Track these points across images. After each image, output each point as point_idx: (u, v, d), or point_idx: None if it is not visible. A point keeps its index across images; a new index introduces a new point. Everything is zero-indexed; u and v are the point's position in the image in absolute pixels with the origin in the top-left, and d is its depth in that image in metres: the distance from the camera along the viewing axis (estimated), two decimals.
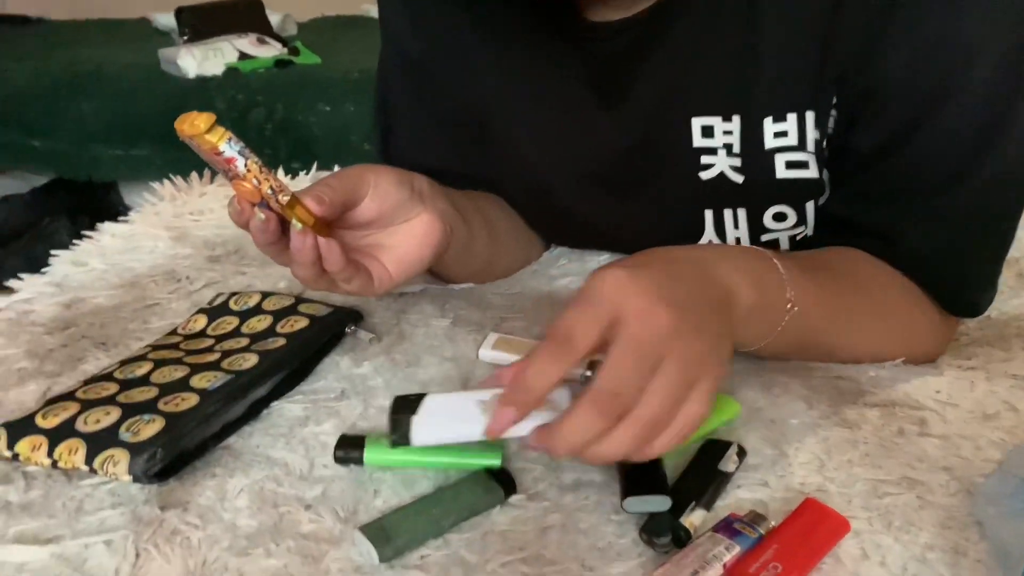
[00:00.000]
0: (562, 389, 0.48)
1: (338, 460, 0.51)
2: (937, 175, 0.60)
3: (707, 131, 0.64)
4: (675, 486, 0.49)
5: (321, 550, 0.46)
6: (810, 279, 0.56)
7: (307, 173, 1.06)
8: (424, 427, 0.47)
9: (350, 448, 0.51)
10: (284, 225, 0.54)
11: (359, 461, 0.51)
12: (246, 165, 0.49)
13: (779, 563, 0.44)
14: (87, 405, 0.52)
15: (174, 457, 0.49)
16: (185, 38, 2.09)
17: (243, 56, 2.02)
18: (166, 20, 2.42)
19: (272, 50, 2.09)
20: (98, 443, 0.49)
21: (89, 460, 0.48)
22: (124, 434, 0.49)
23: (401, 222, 0.60)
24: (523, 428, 0.45)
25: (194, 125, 0.48)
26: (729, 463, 0.50)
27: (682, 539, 0.45)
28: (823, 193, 0.64)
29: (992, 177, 0.59)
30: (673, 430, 0.45)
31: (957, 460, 0.52)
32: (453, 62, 0.71)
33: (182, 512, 0.48)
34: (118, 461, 0.48)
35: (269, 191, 0.51)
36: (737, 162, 0.64)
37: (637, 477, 0.48)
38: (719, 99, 0.63)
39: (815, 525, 0.46)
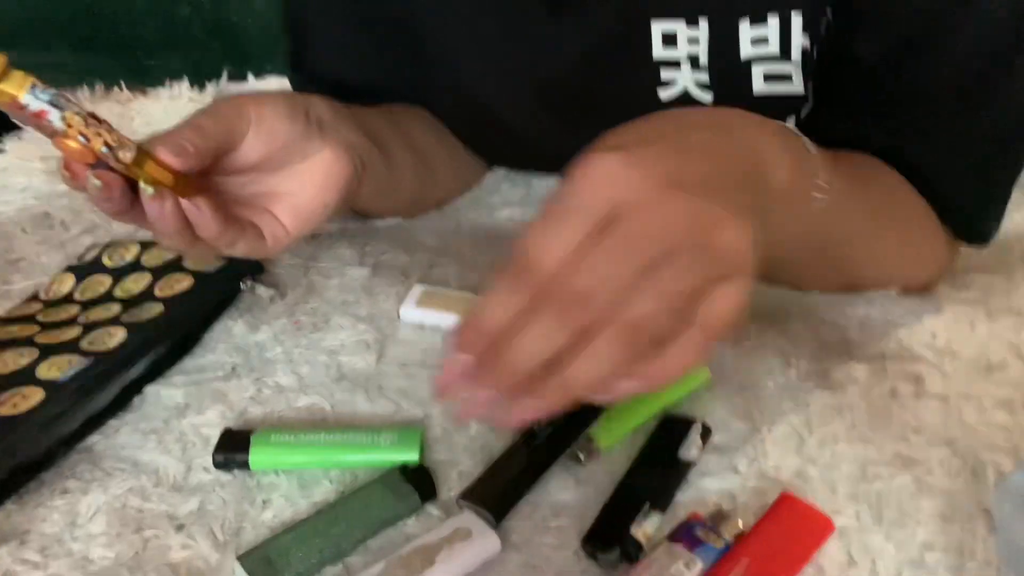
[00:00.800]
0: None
1: (218, 466, 0.42)
2: (953, 91, 0.50)
3: (668, 39, 0.53)
4: (624, 481, 0.41)
5: None
6: (840, 171, 0.45)
7: (217, 84, 0.92)
8: None
9: (232, 451, 0.42)
10: (135, 184, 0.42)
11: (244, 465, 0.42)
12: (63, 119, 0.37)
13: None
14: None
15: (5, 476, 0.40)
16: None
17: None
18: None
19: None
20: None
21: None
22: None
23: (297, 162, 0.48)
24: None
25: None
26: (692, 448, 0.42)
27: (631, 554, 0.37)
28: (805, 106, 0.54)
29: (1015, 95, 0.49)
30: (686, 342, 0.33)
31: (959, 429, 0.44)
32: None
33: (18, 547, 0.39)
34: None
35: (103, 149, 0.39)
36: (704, 77, 0.53)
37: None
38: None
39: (792, 527, 0.39)
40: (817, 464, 0.42)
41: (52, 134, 0.38)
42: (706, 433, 0.43)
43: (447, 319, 0.52)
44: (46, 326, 0.50)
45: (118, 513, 0.40)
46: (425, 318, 0.53)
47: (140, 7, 1.76)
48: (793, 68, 0.52)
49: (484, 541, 0.38)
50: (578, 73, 0.57)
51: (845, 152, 0.52)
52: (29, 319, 0.51)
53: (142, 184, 0.41)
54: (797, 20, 0.50)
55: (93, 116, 0.38)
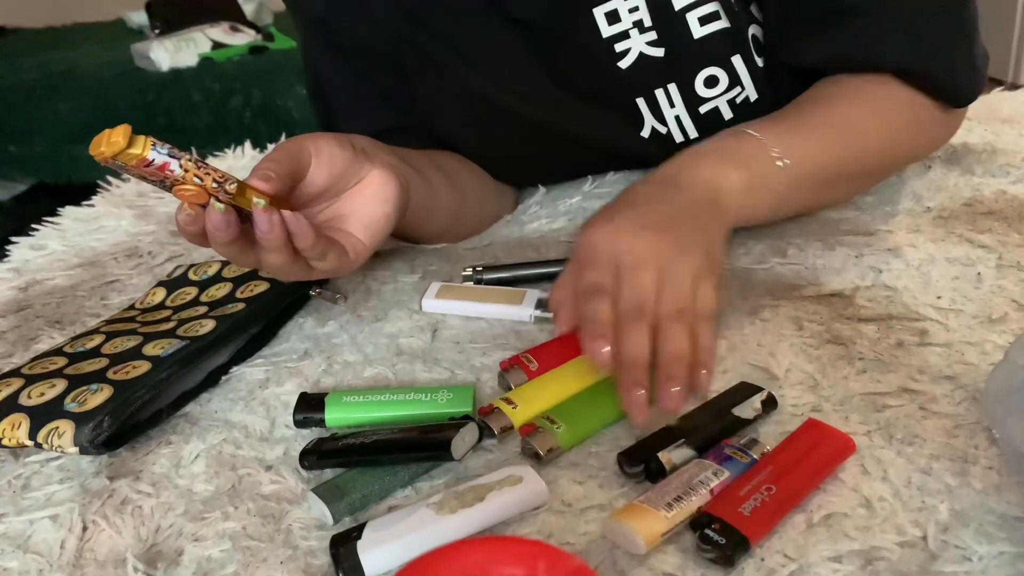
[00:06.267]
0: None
1: (298, 424, 0.48)
2: None
3: (612, 17, 0.63)
4: (683, 419, 0.45)
5: (283, 510, 0.43)
6: (789, 125, 0.58)
7: (262, 151, 1.02)
8: (376, 550, 0.38)
9: (309, 410, 0.48)
10: (240, 217, 0.49)
11: (320, 423, 0.48)
12: (182, 166, 0.44)
13: (773, 485, 0.40)
14: (32, 379, 0.49)
15: (122, 425, 0.46)
16: (157, 31, 2.06)
17: (216, 45, 1.99)
18: (139, 18, 2.39)
19: (246, 37, 2.06)
20: (42, 416, 0.46)
21: (33, 434, 0.46)
22: (69, 404, 0.46)
23: (353, 185, 0.56)
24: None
25: (112, 143, 0.41)
26: (748, 408, 0.45)
27: (653, 473, 0.42)
28: (744, 44, 0.64)
29: None
30: (703, 320, 0.48)
31: (962, 367, 0.49)
32: (348, 7, 0.67)
33: (133, 481, 0.45)
34: (63, 432, 0.45)
35: (214, 185, 0.45)
36: (652, 36, 0.63)
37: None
38: None
39: (815, 446, 0.43)
40: (831, 400, 0.47)
41: (172, 184, 0.45)
42: (770, 402, 0.46)
43: (461, 307, 0.59)
44: (145, 323, 0.57)
45: (215, 457, 0.46)
46: (443, 307, 0.59)
47: (195, 99, 1.92)
48: (716, 6, 0.62)
49: (532, 488, 0.42)
50: (543, 71, 0.66)
51: (803, 96, 0.63)
52: (130, 320, 0.58)
53: (255, 199, 0.47)
54: None
55: (199, 159, 0.45)
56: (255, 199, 0.48)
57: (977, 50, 0.63)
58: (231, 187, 0.46)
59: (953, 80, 0.63)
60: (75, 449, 0.45)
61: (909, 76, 0.62)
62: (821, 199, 0.64)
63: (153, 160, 0.43)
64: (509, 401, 0.48)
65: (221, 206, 0.47)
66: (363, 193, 0.56)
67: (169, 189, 0.46)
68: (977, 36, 0.63)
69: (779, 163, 0.56)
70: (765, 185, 0.56)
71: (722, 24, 0.63)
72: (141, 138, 0.42)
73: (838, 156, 0.60)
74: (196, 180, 0.45)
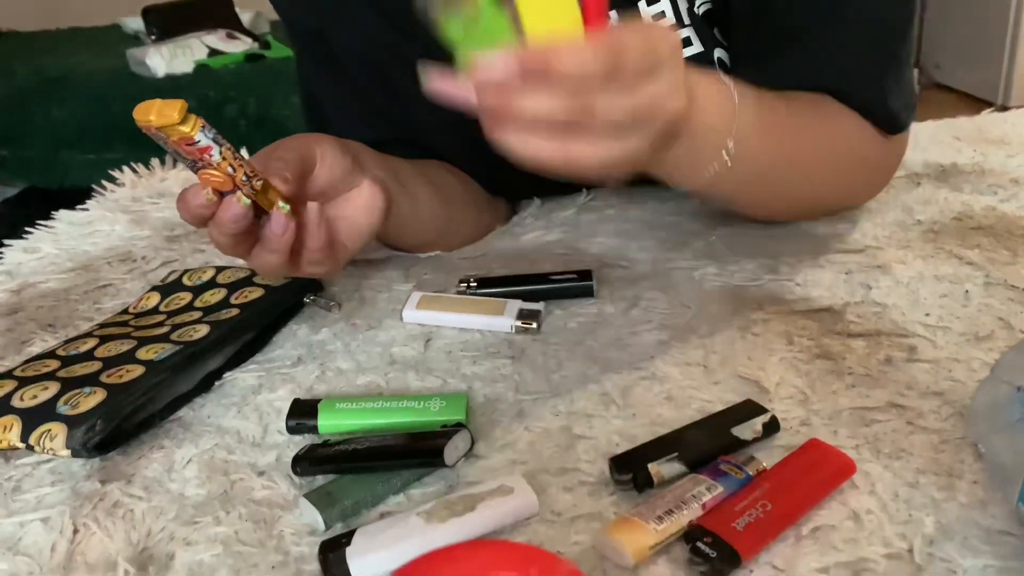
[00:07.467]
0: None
1: (291, 430, 0.48)
2: (816, 10, 0.60)
3: None
4: (674, 431, 0.46)
5: (274, 515, 0.43)
6: (763, 112, 0.56)
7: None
8: (364, 557, 0.38)
9: (302, 416, 0.48)
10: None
11: (313, 430, 0.48)
12: (221, 153, 0.45)
13: (770, 502, 0.40)
14: (25, 382, 0.49)
15: (115, 428, 0.46)
16: (153, 38, 2.06)
17: (213, 52, 1.99)
18: (135, 23, 2.39)
19: (242, 45, 2.06)
20: (34, 418, 0.46)
21: (24, 437, 0.46)
22: (62, 407, 0.46)
23: (346, 190, 0.57)
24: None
25: (163, 114, 0.42)
26: (747, 431, 0.45)
27: (639, 484, 0.42)
28: (711, 68, 0.64)
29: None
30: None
31: (949, 384, 0.49)
32: (339, 20, 0.67)
33: (125, 485, 0.45)
34: (55, 435, 0.45)
35: (244, 178, 0.46)
36: None
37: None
38: None
39: (815, 465, 0.43)
40: (820, 415, 0.48)
41: (205, 166, 0.45)
42: (772, 425, 0.45)
43: (443, 318, 0.59)
44: (139, 327, 0.57)
45: (207, 462, 0.46)
46: (424, 318, 0.59)
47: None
48: (688, 31, 0.62)
49: (522, 499, 0.42)
50: None
51: (808, 98, 0.62)
52: (123, 324, 0.58)
53: (280, 203, 0.49)
54: None
55: (236, 151, 0.46)
56: (280, 203, 0.49)
57: (906, 83, 0.65)
58: (257, 183, 0.47)
59: (885, 104, 0.64)
60: (67, 452, 0.45)
61: (843, 98, 0.63)
62: (734, 199, 0.63)
63: (198, 141, 0.43)
64: None
65: (247, 201, 0.47)
66: (354, 201, 0.57)
67: (196, 170, 0.46)
68: (909, 70, 0.65)
69: (725, 152, 0.53)
70: (700, 148, 0.52)
71: (694, 50, 0.64)
72: (192, 117, 0.43)
73: (781, 160, 0.60)
74: (229, 170, 0.45)
